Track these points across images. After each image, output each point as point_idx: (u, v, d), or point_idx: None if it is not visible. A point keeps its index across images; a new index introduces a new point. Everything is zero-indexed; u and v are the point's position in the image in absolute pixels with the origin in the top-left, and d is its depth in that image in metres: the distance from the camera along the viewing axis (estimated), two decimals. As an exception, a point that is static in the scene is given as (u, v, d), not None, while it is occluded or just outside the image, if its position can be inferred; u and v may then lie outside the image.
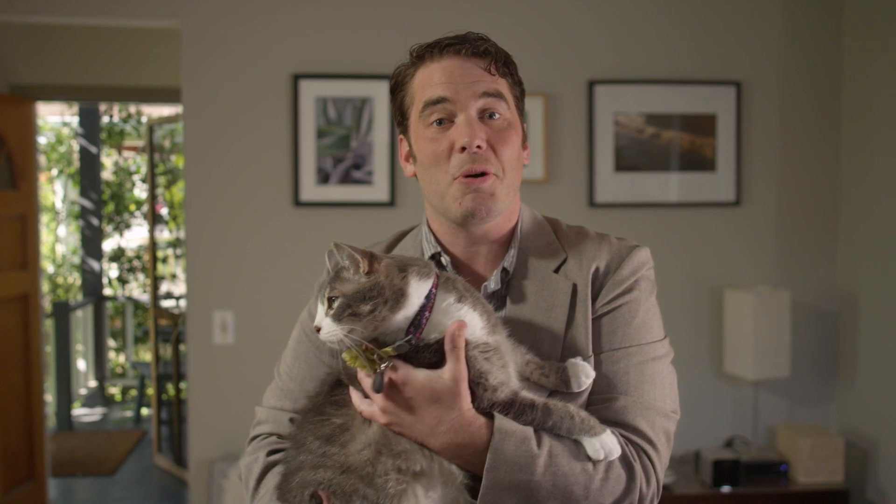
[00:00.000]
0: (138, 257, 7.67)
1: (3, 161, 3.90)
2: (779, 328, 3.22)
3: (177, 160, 5.57)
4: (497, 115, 1.16)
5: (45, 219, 7.38)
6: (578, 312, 1.16)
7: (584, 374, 1.10)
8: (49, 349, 5.91)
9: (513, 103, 1.20)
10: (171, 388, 5.17)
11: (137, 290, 7.78)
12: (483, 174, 1.14)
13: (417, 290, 1.04)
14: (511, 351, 1.10)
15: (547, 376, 1.10)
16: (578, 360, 1.12)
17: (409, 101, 1.20)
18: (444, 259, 1.21)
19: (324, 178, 3.26)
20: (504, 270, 1.20)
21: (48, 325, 5.89)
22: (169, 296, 6.17)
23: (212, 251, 3.28)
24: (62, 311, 6.10)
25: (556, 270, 1.19)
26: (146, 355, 7.12)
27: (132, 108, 7.44)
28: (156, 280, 5.18)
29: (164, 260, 6.57)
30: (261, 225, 3.28)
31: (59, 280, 7.58)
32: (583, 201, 3.37)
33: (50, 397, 5.92)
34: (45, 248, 7.12)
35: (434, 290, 1.06)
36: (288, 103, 3.25)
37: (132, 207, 7.71)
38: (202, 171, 3.27)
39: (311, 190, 3.26)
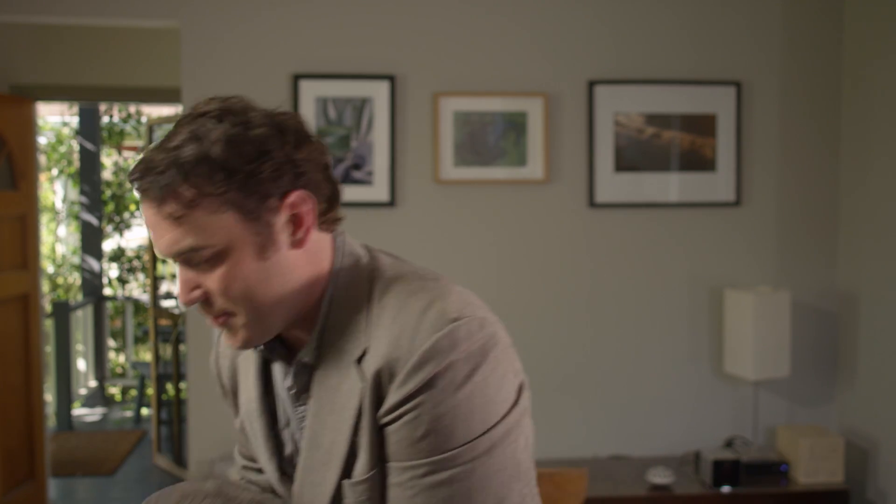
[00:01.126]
0: (138, 257, 7.67)
1: (3, 161, 3.90)
2: (779, 328, 3.22)
3: (177, 160, 5.56)
4: (200, 265, 0.98)
5: (45, 219, 7.39)
6: (364, 419, 0.99)
7: None
8: (49, 349, 5.91)
9: (232, 220, 0.96)
10: (171, 388, 5.17)
11: (137, 290, 7.79)
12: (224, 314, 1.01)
13: None
14: None
15: None
16: None
17: None
18: (259, 348, 1.09)
19: (324, 178, 3.25)
20: (302, 365, 1.05)
21: (48, 325, 5.89)
22: (169, 296, 6.17)
23: (212, 251, 3.27)
24: (62, 311, 6.10)
25: (360, 360, 1.00)
26: (146, 355, 7.12)
27: (132, 108, 7.45)
28: (156, 280, 5.18)
29: (165, 260, 6.55)
30: (261, 225, 3.28)
31: (59, 280, 7.58)
32: (583, 201, 3.37)
33: (50, 397, 5.92)
34: (45, 248, 7.11)
35: None
36: (288, 103, 3.25)
37: (132, 207, 7.71)
38: (202, 171, 3.26)
39: (311, 190, 3.25)
